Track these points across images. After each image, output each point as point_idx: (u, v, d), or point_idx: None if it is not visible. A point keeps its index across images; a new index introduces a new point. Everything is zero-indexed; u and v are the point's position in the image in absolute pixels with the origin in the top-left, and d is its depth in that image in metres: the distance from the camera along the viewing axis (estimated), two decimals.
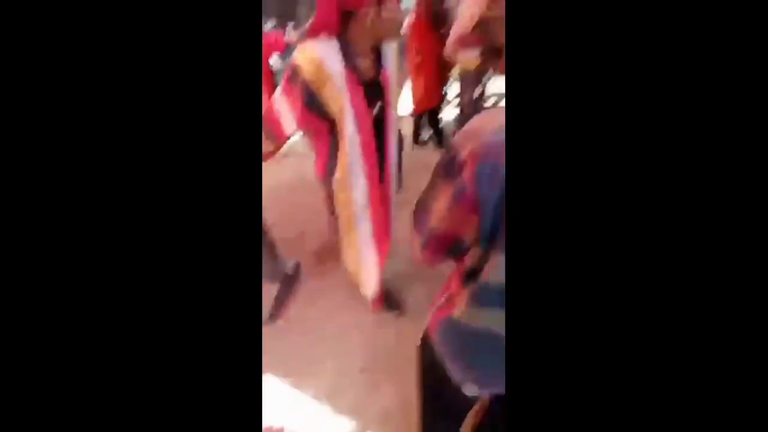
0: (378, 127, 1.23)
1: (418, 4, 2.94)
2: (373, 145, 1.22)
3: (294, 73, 1.09)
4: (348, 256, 1.48)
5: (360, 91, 1.14)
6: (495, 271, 0.54)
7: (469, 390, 0.68)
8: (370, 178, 1.28)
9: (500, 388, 0.66)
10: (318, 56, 1.06)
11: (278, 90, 1.17)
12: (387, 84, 1.21)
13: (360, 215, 1.34)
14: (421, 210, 0.61)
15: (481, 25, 1.36)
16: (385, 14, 1.05)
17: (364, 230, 1.36)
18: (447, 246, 0.59)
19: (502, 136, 0.46)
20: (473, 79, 3.15)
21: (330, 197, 1.35)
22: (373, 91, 1.19)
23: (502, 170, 0.46)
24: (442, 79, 3.33)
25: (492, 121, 0.49)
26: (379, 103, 1.21)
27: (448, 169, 0.52)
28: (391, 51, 1.22)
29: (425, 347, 0.75)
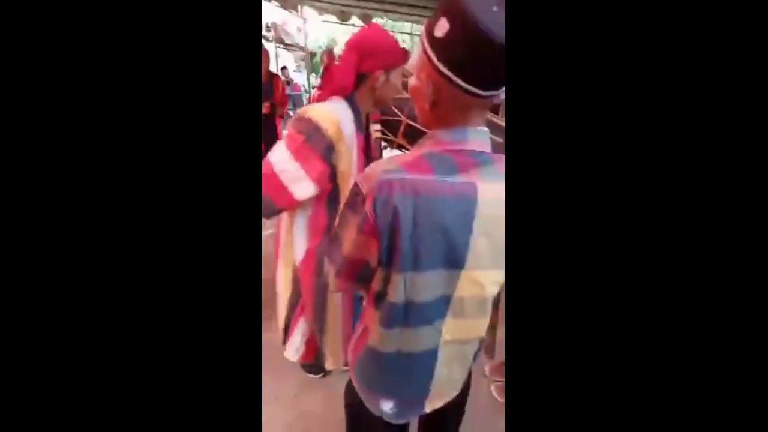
0: None
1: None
2: None
3: (315, 133, 1.03)
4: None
5: (362, 155, 1.16)
6: (395, 290, 0.62)
7: (393, 419, 0.73)
8: None
9: (422, 410, 0.73)
10: (337, 117, 1.05)
11: (283, 151, 1.07)
12: (372, 145, 1.24)
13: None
14: (333, 241, 0.68)
15: (380, 107, 1.73)
16: (392, 79, 1.09)
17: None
18: (357, 270, 0.65)
19: (390, 176, 0.57)
20: (378, 145, 3.61)
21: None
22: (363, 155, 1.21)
23: (392, 202, 0.56)
24: None
25: (383, 164, 0.60)
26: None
27: (354, 204, 0.61)
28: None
29: (348, 387, 0.78)
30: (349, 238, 0.63)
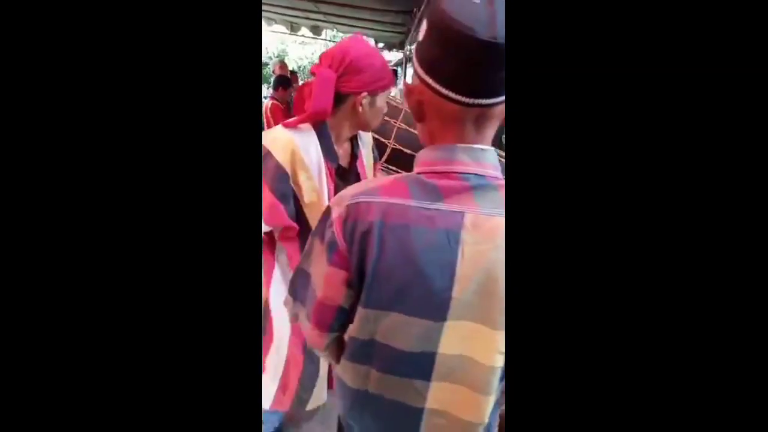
0: None
1: (274, 94, 3.34)
2: None
3: (264, 162, 0.93)
4: None
5: (333, 184, 1.02)
6: (358, 324, 0.54)
7: None
8: None
9: None
10: (293, 143, 0.93)
11: None
12: (363, 172, 1.08)
13: None
14: (300, 277, 0.60)
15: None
16: (379, 102, 0.97)
17: None
18: (331, 316, 0.57)
19: (361, 198, 0.51)
20: None
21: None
22: (348, 181, 1.03)
23: (361, 227, 0.50)
24: None
25: (357, 187, 0.54)
26: None
27: (322, 231, 0.54)
28: (367, 137, 1.12)
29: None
30: (318, 273, 0.55)
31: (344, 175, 1.05)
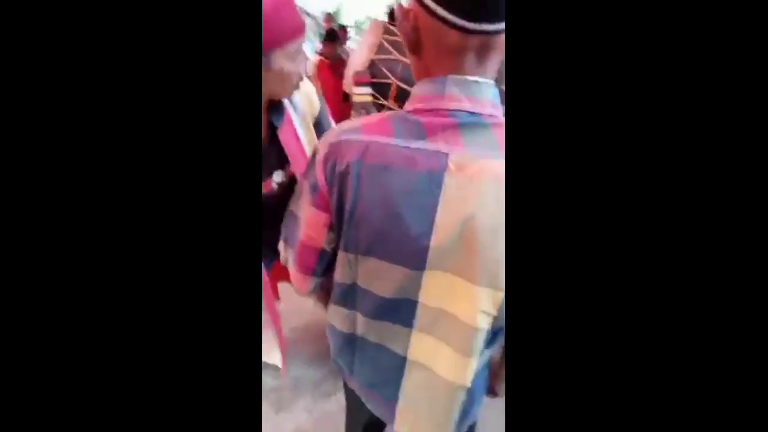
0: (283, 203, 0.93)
1: (322, 49, 3.25)
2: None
3: None
4: None
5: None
6: (341, 269, 0.53)
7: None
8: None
9: (392, 417, 0.59)
10: None
11: None
12: (291, 143, 0.94)
13: None
14: (289, 219, 0.59)
15: (371, 66, 1.65)
16: (276, 62, 0.76)
17: None
18: (314, 260, 0.56)
19: (344, 137, 0.48)
20: (367, 111, 3.53)
21: None
22: (269, 158, 0.92)
23: (340, 167, 0.47)
24: (346, 112, 3.64)
25: (345, 125, 0.50)
26: (280, 171, 0.95)
27: (308, 171, 0.53)
28: (305, 97, 0.97)
29: None
30: (303, 215, 0.55)
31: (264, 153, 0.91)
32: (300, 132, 0.95)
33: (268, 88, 0.81)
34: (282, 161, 0.94)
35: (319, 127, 1.00)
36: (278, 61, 0.76)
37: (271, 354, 1.22)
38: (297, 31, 0.76)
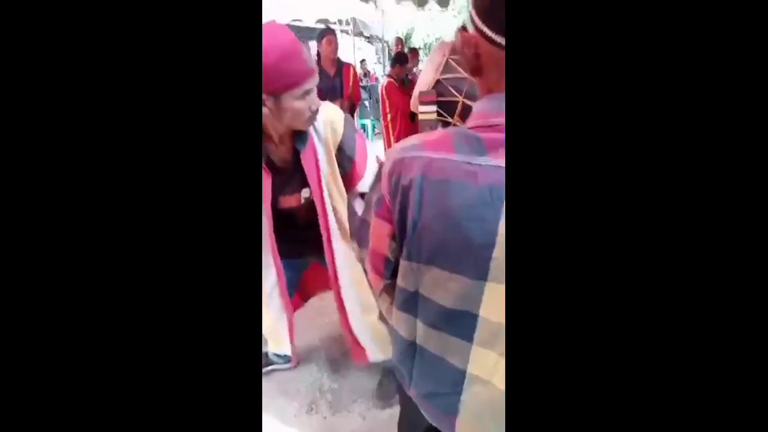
0: (311, 214, 1.16)
1: (390, 71, 3.41)
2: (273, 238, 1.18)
3: None
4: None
5: (269, 177, 1.08)
6: (404, 275, 0.56)
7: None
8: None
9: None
10: None
11: None
12: (311, 166, 1.10)
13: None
14: (362, 224, 0.63)
15: (437, 85, 1.70)
16: (287, 102, 0.93)
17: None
18: (382, 264, 0.60)
19: (405, 153, 0.51)
20: (433, 128, 3.56)
21: None
22: (290, 179, 1.12)
23: (403, 182, 0.50)
24: (414, 130, 3.73)
25: (407, 141, 0.53)
26: (308, 189, 1.14)
27: (374, 185, 0.58)
28: (328, 126, 1.11)
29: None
30: (371, 224, 0.59)
31: (281, 170, 1.10)
32: (320, 156, 1.12)
33: (285, 123, 0.98)
34: (305, 181, 1.12)
35: (342, 152, 1.16)
36: (288, 101, 0.93)
37: (281, 344, 1.39)
38: (305, 76, 0.92)
